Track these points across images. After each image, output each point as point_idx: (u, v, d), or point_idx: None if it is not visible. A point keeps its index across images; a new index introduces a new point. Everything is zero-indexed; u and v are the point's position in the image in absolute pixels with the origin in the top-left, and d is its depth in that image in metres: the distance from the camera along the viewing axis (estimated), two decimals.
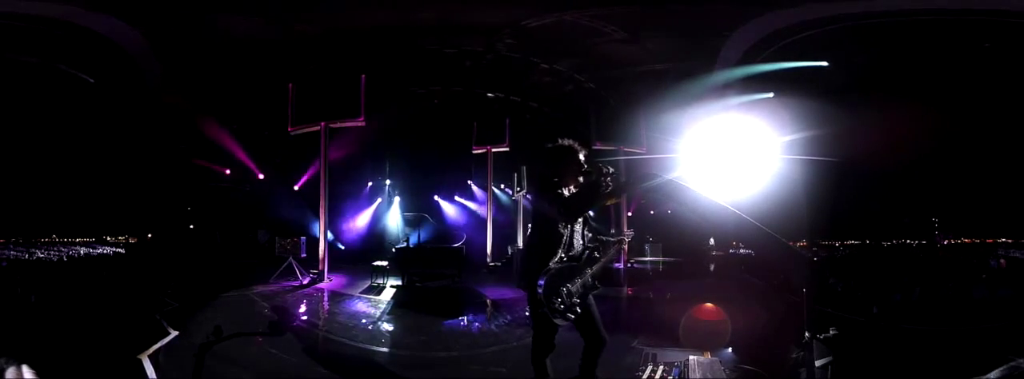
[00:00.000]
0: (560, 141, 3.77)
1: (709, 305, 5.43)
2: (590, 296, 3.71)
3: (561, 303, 3.52)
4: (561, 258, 3.65)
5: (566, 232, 3.69)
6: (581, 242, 3.78)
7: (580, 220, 3.78)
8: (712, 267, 9.91)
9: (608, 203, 3.89)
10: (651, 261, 10.25)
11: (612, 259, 3.93)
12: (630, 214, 10.99)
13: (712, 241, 10.59)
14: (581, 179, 3.67)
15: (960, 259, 10.61)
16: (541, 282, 3.52)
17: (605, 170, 3.58)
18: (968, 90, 8.40)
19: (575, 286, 3.62)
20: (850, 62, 7.94)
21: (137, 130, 9.66)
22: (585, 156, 3.74)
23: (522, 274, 3.82)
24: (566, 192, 3.68)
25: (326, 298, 7.74)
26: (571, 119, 10.41)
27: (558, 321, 3.54)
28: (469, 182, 12.93)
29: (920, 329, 6.03)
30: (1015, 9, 6.37)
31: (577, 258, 3.73)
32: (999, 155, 9.46)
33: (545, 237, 3.69)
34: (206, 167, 11.45)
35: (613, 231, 4.22)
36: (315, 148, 8.80)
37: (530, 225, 3.90)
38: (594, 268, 3.75)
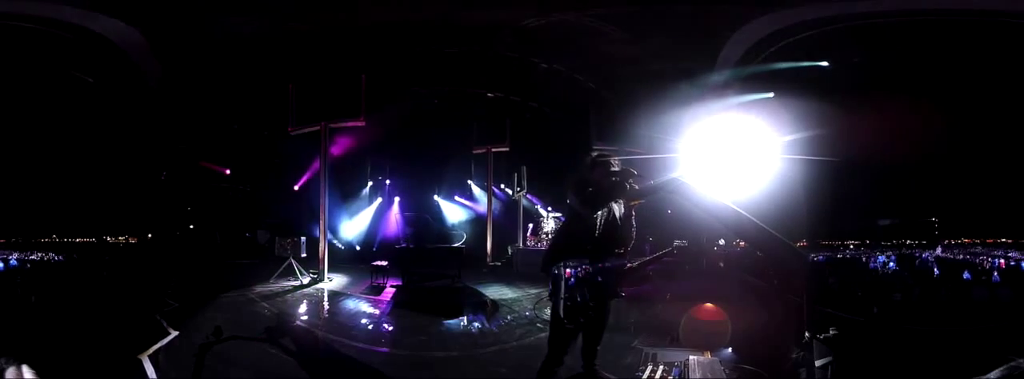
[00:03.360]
0: (601, 155, 4.06)
1: (709, 305, 5.41)
2: (608, 302, 3.87)
3: (570, 303, 3.61)
4: (586, 252, 3.74)
5: (597, 228, 3.80)
6: (609, 242, 3.87)
7: (604, 219, 3.88)
8: (722, 264, 9.91)
9: (634, 203, 4.08)
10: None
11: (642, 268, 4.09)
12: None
13: (722, 242, 10.58)
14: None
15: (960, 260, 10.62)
16: (564, 272, 3.64)
17: (633, 173, 3.83)
18: (968, 90, 8.41)
19: (592, 287, 3.69)
20: (850, 62, 7.94)
21: (137, 130, 9.67)
22: (617, 167, 3.95)
23: (545, 259, 3.92)
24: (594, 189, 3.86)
25: (326, 298, 7.74)
26: (571, 119, 10.41)
27: (568, 319, 3.63)
28: (469, 182, 12.93)
29: (920, 329, 6.04)
30: (1015, 9, 6.38)
31: (601, 257, 3.79)
32: (999, 155, 9.46)
33: (575, 229, 3.86)
34: (206, 167, 11.46)
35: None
36: (315, 148, 8.81)
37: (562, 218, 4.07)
38: (618, 272, 3.84)
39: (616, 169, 3.97)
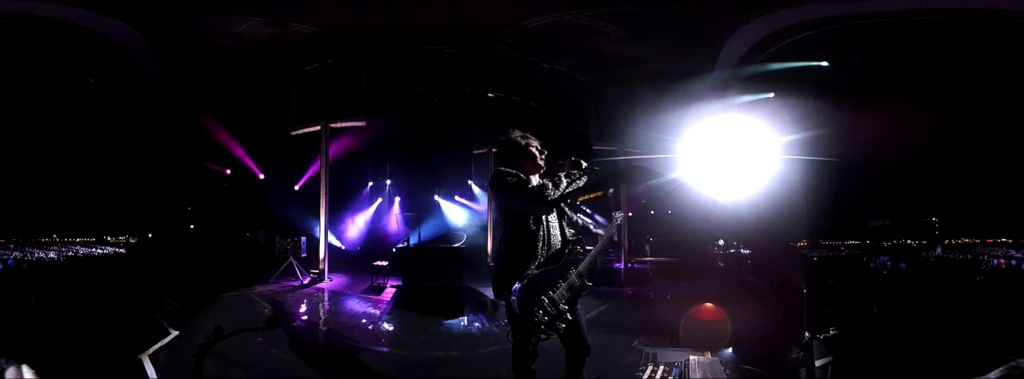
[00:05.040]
0: (512, 134, 3.54)
1: (709, 305, 5.42)
2: (578, 300, 3.38)
3: (545, 314, 3.18)
4: (540, 261, 3.31)
5: (542, 229, 3.35)
6: (560, 239, 3.43)
7: (556, 214, 3.46)
8: (721, 264, 9.94)
9: (582, 199, 3.70)
10: (651, 261, 10.26)
11: (602, 251, 3.59)
12: (630, 214, 11.01)
13: (721, 242, 10.60)
14: (544, 169, 3.47)
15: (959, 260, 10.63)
16: (516, 289, 3.19)
17: (578, 163, 3.42)
18: (968, 90, 8.40)
19: (559, 291, 3.26)
20: (850, 62, 7.94)
21: (137, 130, 9.67)
22: (539, 147, 3.52)
23: (496, 283, 3.37)
24: (534, 180, 3.43)
25: (326, 298, 7.75)
26: (571, 119, 10.42)
27: (544, 335, 3.21)
28: (469, 182, 12.95)
29: (920, 329, 6.04)
30: (1015, 9, 6.38)
31: (558, 258, 3.36)
32: (999, 155, 9.46)
33: (518, 238, 3.35)
34: (207, 167, 11.47)
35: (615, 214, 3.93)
36: (315, 148, 8.81)
37: (501, 228, 3.50)
38: (581, 266, 3.37)
39: (537, 144, 3.47)
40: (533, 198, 3.30)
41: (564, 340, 3.41)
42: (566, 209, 3.53)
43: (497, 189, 3.44)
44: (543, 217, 3.38)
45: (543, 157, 3.49)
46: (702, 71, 7.96)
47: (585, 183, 3.46)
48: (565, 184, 3.36)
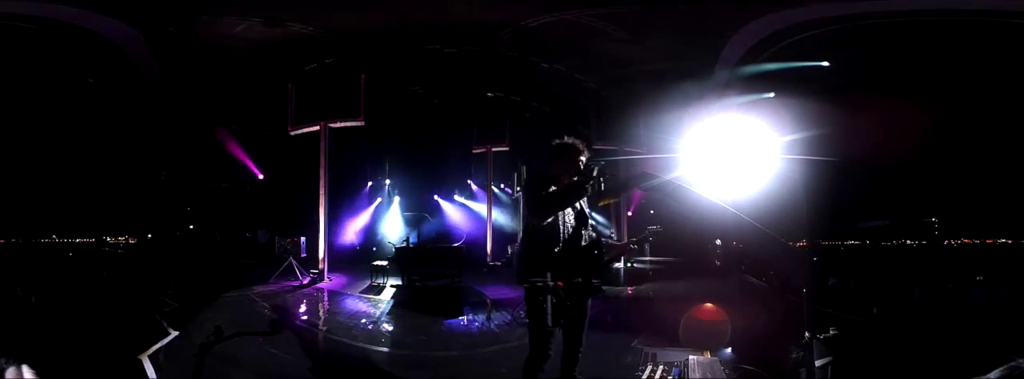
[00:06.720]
0: (565, 139, 3.69)
1: (709, 305, 5.43)
2: (587, 300, 3.60)
3: (555, 304, 3.38)
4: (560, 256, 3.48)
5: (564, 228, 3.54)
6: (584, 241, 3.62)
7: (573, 216, 3.62)
8: (718, 263, 9.95)
9: (602, 203, 3.83)
10: (651, 261, 10.26)
11: (617, 259, 3.84)
12: (630, 214, 11.04)
13: (719, 242, 10.61)
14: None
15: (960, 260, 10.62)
16: (546, 274, 3.39)
17: (594, 173, 3.49)
18: (968, 90, 8.40)
19: (570, 288, 3.48)
20: (850, 62, 7.93)
21: (137, 130, 9.67)
22: (586, 158, 3.65)
23: (520, 270, 3.57)
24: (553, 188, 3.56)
25: (326, 298, 7.75)
26: (571, 119, 10.41)
27: (549, 320, 3.38)
28: (469, 182, 12.94)
29: (920, 329, 6.04)
30: (1016, 9, 6.37)
31: (577, 258, 3.56)
32: (999, 155, 9.46)
33: (541, 232, 3.52)
34: (206, 167, 11.47)
35: (613, 231, 4.16)
36: (315, 148, 8.81)
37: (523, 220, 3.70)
38: (594, 269, 3.61)
39: (584, 159, 3.62)
40: (530, 211, 3.53)
41: (564, 333, 3.61)
42: (587, 213, 3.71)
43: (522, 189, 3.71)
44: (560, 219, 3.54)
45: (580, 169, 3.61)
46: (702, 71, 7.96)
47: (605, 189, 3.57)
48: (562, 200, 3.52)
